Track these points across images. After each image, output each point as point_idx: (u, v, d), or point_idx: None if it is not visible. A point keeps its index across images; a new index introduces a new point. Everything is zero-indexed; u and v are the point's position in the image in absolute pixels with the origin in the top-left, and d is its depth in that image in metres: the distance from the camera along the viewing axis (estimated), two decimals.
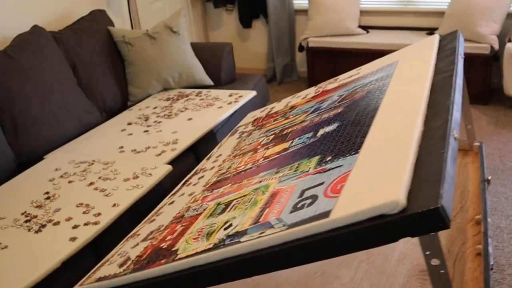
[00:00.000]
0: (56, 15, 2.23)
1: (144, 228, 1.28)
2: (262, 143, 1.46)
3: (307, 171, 1.04)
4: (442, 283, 0.83)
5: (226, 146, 1.66)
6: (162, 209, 1.35)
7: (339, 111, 1.35)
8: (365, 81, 1.52)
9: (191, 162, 1.84)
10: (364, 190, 0.82)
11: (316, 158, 1.09)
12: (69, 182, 1.58)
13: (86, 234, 1.31)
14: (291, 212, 0.88)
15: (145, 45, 2.22)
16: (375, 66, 1.65)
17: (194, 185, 1.42)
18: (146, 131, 1.90)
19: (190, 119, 1.96)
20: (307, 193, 0.93)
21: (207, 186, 1.33)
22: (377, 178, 0.84)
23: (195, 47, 2.40)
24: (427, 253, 0.81)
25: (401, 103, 1.16)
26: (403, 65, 1.47)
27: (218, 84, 2.41)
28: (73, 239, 1.29)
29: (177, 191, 1.45)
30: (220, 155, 1.58)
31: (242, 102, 2.06)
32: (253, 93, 2.13)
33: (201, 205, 1.20)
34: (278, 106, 1.84)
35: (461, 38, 1.51)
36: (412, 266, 1.40)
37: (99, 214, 1.39)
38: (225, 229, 0.97)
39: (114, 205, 1.43)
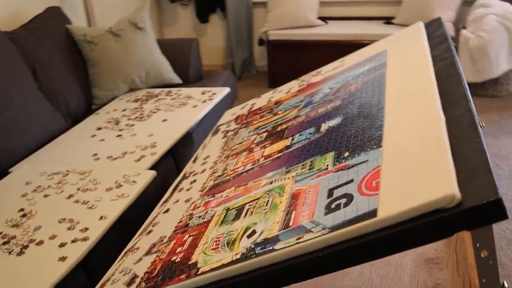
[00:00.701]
0: (5, 13, 2.05)
1: (141, 241, 1.18)
2: (255, 142, 1.39)
3: (326, 169, 0.98)
4: (491, 274, 0.80)
5: (211, 147, 1.58)
6: (157, 218, 1.26)
7: (337, 104, 1.31)
8: (355, 72, 1.48)
9: (170, 165, 1.75)
10: (407, 186, 0.78)
11: (331, 154, 1.03)
12: (45, 196, 1.45)
13: (76, 252, 1.20)
14: (326, 213, 0.82)
15: (109, 43, 2.08)
16: (360, 57, 1.62)
17: (187, 190, 1.33)
18: (119, 135, 1.78)
19: (164, 120, 1.86)
20: (337, 192, 0.87)
21: (204, 191, 1.25)
22: (417, 173, 0.80)
23: (160, 44, 2.28)
24: (478, 245, 0.78)
25: (409, 93, 1.12)
26: (394, 54, 1.44)
27: (187, 82, 2.30)
28: (62, 258, 1.18)
29: (169, 197, 1.36)
30: (208, 156, 1.49)
31: (217, 99, 1.98)
32: (226, 90, 2.05)
33: (206, 212, 1.12)
34: (259, 102, 1.77)
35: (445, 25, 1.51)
36: (417, 255, 1.38)
37: (86, 229, 1.27)
38: (248, 236, 0.90)
39: (101, 217, 1.32)
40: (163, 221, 1.22)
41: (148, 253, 1.09)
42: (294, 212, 0.89)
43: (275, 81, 3.33)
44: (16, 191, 1.49)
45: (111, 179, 1.49)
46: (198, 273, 0.88)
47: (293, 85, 1.73)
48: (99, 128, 1.86)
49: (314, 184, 0.95)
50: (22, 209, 1.39)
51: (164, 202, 1.35)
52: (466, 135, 0.88)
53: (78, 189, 1.46)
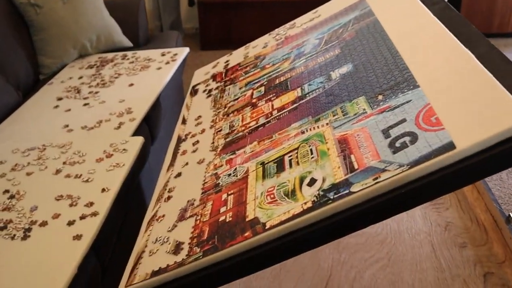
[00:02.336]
0: None
1: (163, 208, 1.12)
2: (255, 97, 1.35)
3: (365, 113, 0.99)
4: None
5: (198, 107, 1.52)
6: (170, 183, 1.20)
7: (337, 52, 1.31)
8: (339, 22, 1.49)
9: (146, 131, 1.66)
10: (472, 118, 0.81)
11: (361, 99, 1.04)
12: (28, 174, 1.31)
13: (89, 229, 1.11)
14: (395, 152, 0.83)
15: (56, 6, 1.89)
16: (336, 7, 1.62)
17: (193, 152, 1.28)
18: (87, 104, 1.65)
19: (131, 84, 1.75)
20: (394, 132, 0.88)
21: (219, 150, 1.20)
22: (475, 105, 0.83)
23: (106, 5, 2.11)
24: None
25: (420, 36, 1.15)
26: (376, 2, 1.46)
27: (137, 45, 2.17)
28: (77, 237, 1.08)
29: (172, 161, 1.29)
30: (200, 116, 1.44)
31: (180, 60, 1.89)
32: (186, 50, 1.97)
33: (235, 169, 1.08)
34: (232, 59, 1.73)
35: None
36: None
37: (91, 203, 1.18)
38: (309, 185, 0.89)
39: (103, 190, 1.23)
40: (180, 185, 1.17)
41: (181, 218, 1.04)
42: (352, 156, 0.89)
43: (208, 44, 3.26)
44: None
45: (97, 149, 1.39)
46: (266, 228, 0.85)
47: (268, 40, 1.70)
48: (60, 99, 1.71)
49: (359, 127, 0.95)
50: (7, 191, 1.25)
51: (170, 166, 1.28)
52: (503, 69, 0.92)
53: (64, 163, 1.34)
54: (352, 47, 1.29)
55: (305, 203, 0.85)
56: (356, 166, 0.86)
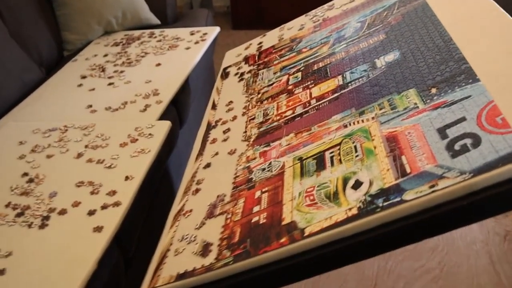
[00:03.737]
0: None
1: (190, 202, 1.04)
2: (291, 83, 1.26)
3: (416, 108, 0.89)
4: None
5: (229, 91, 1.43)
6: (198, 175, 1.12)
7: (381, 38, 1.20)
8: (384, 3, 1.37)
9: (174, 115, 1.58)
10: None
11: (412, 91, 0.94)
12: (48, 157, 1.25)
13: (111, 221, 1.05)
14: (454, 156, 0.73)
15: None
16: None
17: (224, 141, 1.19)
18: (111, 83, 1.58)
19: (158, 64, 1.67)
20: (452, 132, 0.78)
21: (252, 141, 1.12)
22: None
23: None
24: None
25: (476, 21, 1.04)
26: None
27: (165, 23, 2.08)
28: (98, 229, 1.02)
29: (201, 150, 1.21)
30: (231, 102, 1.35)
31: (210, 40, 1.80)
32: (217, 29, 1.87)
33: (270, 163, 1.00)
34: (266, 40, 1.63)
35: None
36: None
37: (113, 192, 1.11)
38: (354, 188, 0.80)
39: (127, 178, 1.16)
40: (209, 177, 1.09)
41: (210, 215, 0.96)
42: (403, 157, 0.80)
43: (239, 23, 3.15)
44: (10, 153, 1.27)
45: (121, 133, 1.32)
46: (305, 235, 0.77)
47: (304, 21, 1.59)
48: (84, 77, 1.64)
49: (410, 124, 0.86)
50: (25, 174, 1.19)
51: (198, 155, 1.20)
52: None
53: (86, 146, 1.28)
54: (398, 32, 1.18)
55: (350, 209, 0.76)
56: (408, 170, 0.77)
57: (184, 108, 1.65)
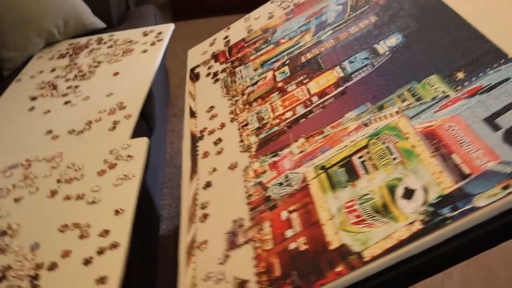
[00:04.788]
0: None
1: (201, 231, 0.92)
2: (279, 80, 1.15)
3: (447, 97, 0.81)
4: None
5: (206, 95, 1.29)
6: (200, 197, 0.99)
7: (373, 20, 1.11)
8: None
9: (143, 127, 1.43)
10: None
11: (434, 78, 0.86)
12: (16, 200, 1.07)
13: (114, 267, 0.90)
14: None
15: None
16: None
17: (218, 153, 1.07)
18: (68, 102, 1.39)
19: (116, 73, 1.50)
20: (505, 121, 0.71)
21: (254, 151, 1.00)
22: None
23: None
24: None
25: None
26: None
27: (111, 25, 1.89)
28: (101, 280, 0.87)
29: (194, 167, 1.08)
30: (212, 107, 1.22)
31: (166, 39, 1.64)
32: (171, 26, 1.71)
33: (286, 177, 0.89)
34: (232, 33, 1.50)
35: None
36: None
37: (106, 232, 0.96)
38: (406, 197, 0.71)
39: (117, 212, 1.01)
40: (215, 199, 0.96)
41: (233, 245, 0.84)
42: (454, 156, 0.71)
43: (180, 14, 2.97)
44: None
45: (95, 159, 1.15)
46: (366, 259, 0.67)
47: (272, 9, 1.47)
48: (34, 98, 1.44)
49: (448, 117, 0.78)
50: None
51: (192, 173, 1.07)
52: None
53: (58, 181, 1.11)
54: (391, 12, 1.09)
55: (411, 223, 0.67)
56: (467, 171, 0.68)
57: (151, 118, 1.50)
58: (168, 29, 1.69)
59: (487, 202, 0.63)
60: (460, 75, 0.83)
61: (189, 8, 2.97)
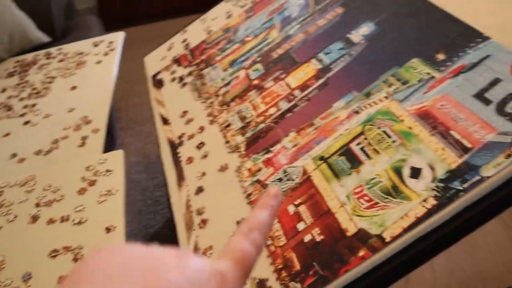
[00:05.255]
0: None
1: (203, 237, 0.90)
2: (254, 77, 1.15)
3: (432, 78, 0.84)
4: None
5: (176, 100, 1.27)
6: (194, 203, 0.97)
7: (339, 11, 1.14)
8: None
9: (108, 139, 1.38)
10: None
11: (416, 61, 0.89)
12: None
13: None
14: None
15: None
16: None
17: (204, 157, 1.06)
18: (27, 122, 1.32)
19: (74, 87, 1.43)
20: (493, 95, 0.75)
21: (243, 150, 1.00)
22: None
23: None
24: None
25: None
26: None
27: (56, 38, 1.80)
28: None
29: (180, 174, 1.06)
30: (186, 111, 1.20)
31: (120, 47, 1.60)
32: (121, 35, 1.67)
33: (285, 171, 0.89)
34: (192, 36, 1.48)
35: None
36: None
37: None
38: (413, 177, 0.74)
39: (108, 230, 0.97)
40: (211, 203, 0.95)
41: None
42: (453, 132, 0.75)
43: (112, 22, 2.88)
44: None
45: (72, 178, 1.11)
46: (387, 240, 0.69)
47: (228, 8, 1.47)
48: None
49: (438, 96, 0.81)
50: None
51: (180, 180, 1.05)
52: None
53: (37, 205, 1.05)
54: (357, 3, 1.13)
55: (425, 200, 0.70)
56: (469, 145, 0.72)
57: (114, 128, 1.45)
58: (119, 37, 1.64)
59: (494, 171, 0.66)
60: (441, 56, 0.87)
61: (121, 16, 2.89)
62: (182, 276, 0.30)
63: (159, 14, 2.96)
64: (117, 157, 1.16)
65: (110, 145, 1.39)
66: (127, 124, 2.39)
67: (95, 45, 1.63)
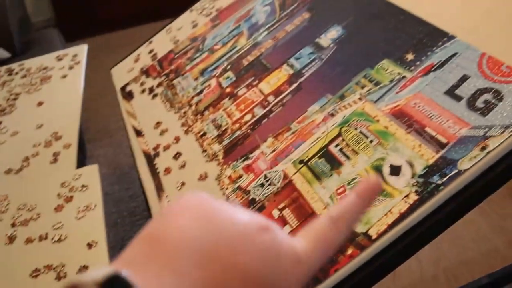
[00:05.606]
0: None
1: None
2: (226, 85, 1.16)
3: (404, 78, 0.88)
4: None
5: (147, 112, 1.27)
6: None
7: (306, 16, 1.17)
8: None
9: (79, 153, 1.36)
10: None
11: (386, 62, 0.92)
12: None
13: None
14: (484, 114, 0.74)
15: None
16: None
17: (182, 167, 1.06)
18: None
19: (40, 103, 1.41)
20: (464, 92, 0.79)
21: (222, 158, 1.01)
22: None
23: None
24: None
25: None
26: None
27: (15, 54, 1.75)
28: None
29: (159, 185, 1.06)
30: (159, 122, 1.20)
31: (84, 60, 1.58)
32: (85, 47, 1.64)
33: (265, 176, 0.91)
34: (158, 46, 1.47)
35: None
36: None
37: (85, 267, 0.91)
38: (393, 174, 0.76)
39: (90, 245, 0.96)
40: None
41: None
42: (428, 129, 0.78)
43: (72, 34, 2.83)
44: None
45: (47, 195, 1.08)
46: (373, 237, 0.71)
47: (193, 17, 1.48)
48: None
49: (411, 95, 0.84)
50: None
51: (159, 191, 1.04)
52: None
53: (13, 225, 1.02)
54: (323, 7, 1.15)
55: (407, 196, 0.72)
56: (444, 140, 0.75)
57: (83, 141, 1.43)
58: (83, 50, 1.62)
59: (471, 164, 0.70)
60: (410, 56, 0.90)
61: (80, 26, 2.85)
62: (263, 246, 0.31)
63: (118, 23, 2.93)
64: (92, 171, 1.14)
65: (80, 158, 1.37)
66: (96, 135, 2.35)
67: (59, 59, 1.60)
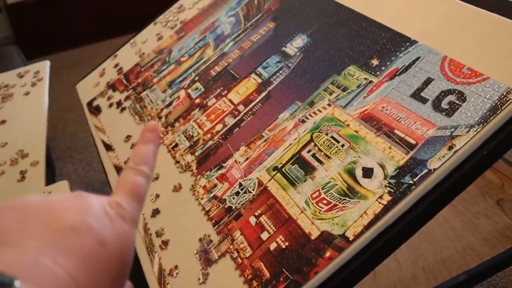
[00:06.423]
0: None
1: (167, 257, 0.90)
2: (195, 96, 1.16)
3: (370, 83, 0.90)
4: None
5: (116, 126, 1.26)
6: (151, 225, 0.97)
7: (271, 26, 1.19)
8: None
9: (47, 170, 1.33)
10: (501, 58, 0.79)
11: (352, 68, 0.95)
12: None
13: None
14: (449, 114, 0.77)
15: None
16: None
17: (155, 179, 1.05)
18: None
19: (3, 121, 1.37)
20: (428, 94, 0.82)
21: (195, 169, 1.01)
22: (501, 43, 0.80)
23: None
24: None
25: None
26: None
27: None
28: None
29: None
30: (129, 136, 1.19)
31: (47, 76, 1.55)
32: (47, 64, 1.61)
33: (240, 185, 0.91)
34: (123, 60, 1.47)
35: None
36: None
37: None
38: (366, 176, 0.78)
39: None
40: (170, 224, 0.95)
41: (209, 263, 0.84)
42: (397, 131, 0.81)
43: (33, 51, 2.78)
44: None
45: None
46: (350, 239, 0.73)
47: (158, 30, 1.48)
48: None
49: (378, 99, 0.87)
50: None
51: None
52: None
53: None
54: (287, 16, 1.17)
55: (380, 197, 0.74)
56: (412, 141, 0.78)
57: (51, 159, 1.40)
58: (45, 66, 1.59)
59: (439, 163, 0.72)
60: (375, 62, 0.93)
61: (40, 43, 2.80)
62: (83, 213, 0.35)
63: (79, 39, 2.89)
64: (62, 188, 1.12)
65: (50, 176, 1.34)
66: (65, 153, 2.30)
67: (20, 76, 1.56)
